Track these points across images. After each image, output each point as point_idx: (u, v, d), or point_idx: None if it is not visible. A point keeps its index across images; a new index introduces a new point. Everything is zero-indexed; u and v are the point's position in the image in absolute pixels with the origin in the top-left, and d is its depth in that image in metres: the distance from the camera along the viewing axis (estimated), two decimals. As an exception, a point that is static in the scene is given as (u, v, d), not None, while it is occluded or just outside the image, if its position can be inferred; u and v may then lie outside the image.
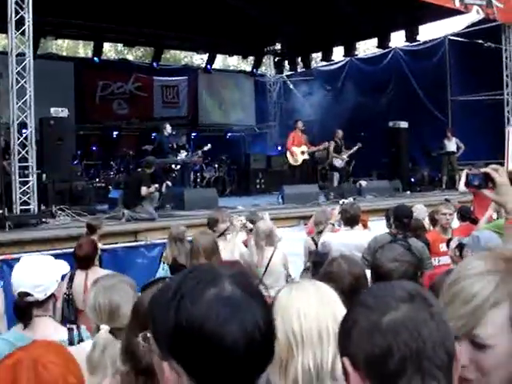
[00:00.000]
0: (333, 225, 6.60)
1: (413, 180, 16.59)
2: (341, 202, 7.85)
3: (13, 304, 3.04)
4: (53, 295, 3.09)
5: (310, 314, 1.78)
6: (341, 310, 1.78)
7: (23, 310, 2.98)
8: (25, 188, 9.10)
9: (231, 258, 5.81)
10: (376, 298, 1.13)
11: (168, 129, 13.92)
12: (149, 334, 1.18)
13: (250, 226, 5.97)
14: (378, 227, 7.25)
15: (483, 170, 2.22)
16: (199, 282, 1.12)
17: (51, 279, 3.05)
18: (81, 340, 3.04)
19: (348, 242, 5.75)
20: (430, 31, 18.83)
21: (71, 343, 2.96)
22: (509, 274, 1.27)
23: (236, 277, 1.15)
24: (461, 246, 4.32)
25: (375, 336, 1.07)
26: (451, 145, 15.73)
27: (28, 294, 2.97)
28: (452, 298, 1.29)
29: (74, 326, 3.19)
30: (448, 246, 5.35)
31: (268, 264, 6.04)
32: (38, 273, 3.02)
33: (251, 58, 24.15)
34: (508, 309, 1.23)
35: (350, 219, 6.10)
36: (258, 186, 17.31)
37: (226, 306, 1.08)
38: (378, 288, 1.21)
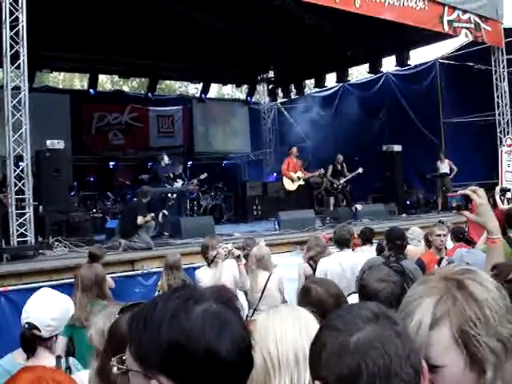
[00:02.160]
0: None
1: (408, 203, 16.66)
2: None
3: (20, 333, 3.08)
4: (56, 335, 3.15)
5: (286, 337, 1.80)
6: (315, 326, 1.83)
7: (28, 341, 3.04)
8: (22, 220, 9.14)
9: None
10: (343, 320, 1.16)
11: (165, 159, 14.05)
12: (125, 357, 1.21)
13: (237, 252, 5.98)
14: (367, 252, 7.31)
15: (462, 191, 2.28)
16: (187, 300, 1.17)
17: (61, 322, 3.12)
18: (68, 367, 3.08)
19: (344, 263, 5.80)
20: (420, 55, 19.06)
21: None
22: (447, 292, 1.29)
23: (217, 294, 1.23)
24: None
25: (344, 357, 1.10)
26: (444, 167, 15.86)
27: (36, 328, 3.03)
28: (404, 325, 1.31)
29: (63, 355, 3.24)
30: (439, 265, 5.41)
31: (264, 289, 6.09)
32: (53, 313, 3.08)
33: (245, 87, 24.40)
34: (448, 327, 1.25)
35: (340, 241, 6.18)
36: (254, 213, 17.36)
37: (216, 321, 1.15)
38: (345, 310, 1.23)
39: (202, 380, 1.12)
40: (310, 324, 1.86)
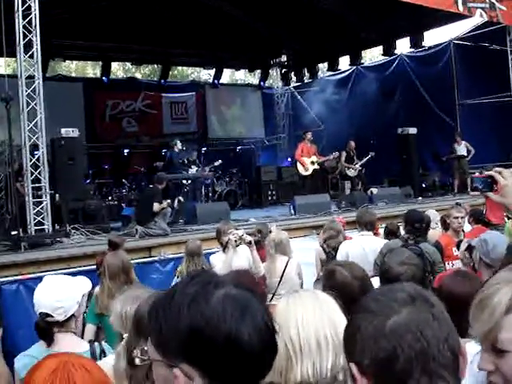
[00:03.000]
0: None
1: (424, 185, 16.53)
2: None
3: (34, 323, 3.10)
4: (73, 315, 3.15)
5: (308, 322, 1.78)
6: (340, 318, 1.80)
7: (44, 329, 3.05)
8: (38, 208, 9.19)
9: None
10: (378, 303, 1.15)
11: (179, 145, 14.08)
12: (146, 347, 1.20)
13: (248, 238, 5.96)
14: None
15: (487, 172, 2.25)
16: (206, 285, 1.16)
17: (71, 301, 3.11)
18: (102, 351, 3.10)
19: (366, 246, 5.76)
20: (434, 36, 18.86)
21: (93, 354, 3.02)
22: None
23: (237, 278, 1.21)
24: (470, 248, 4.33)
25: (379, 340, 1.09)
26: (461, 149, 15.69)
27: (48, 315, 3.04)
28: (479, 306, 1.30)
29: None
30: (458, 248, 5.37)
31: (282, 274, 6.08)
32: (58, 295, 3.08)
33: (258, 71, 24.29)
34: None
35: (366, 223, 6.11)
36: (269, 198, 17.33)
37: (237, 305, 1.13)
38: (380, 292, 1.23)
39: (224, 366, 1.10)
40: (330, 308, 1.85)
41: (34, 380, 1.56)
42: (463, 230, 7.00)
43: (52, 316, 3.02)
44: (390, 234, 6.92)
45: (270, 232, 7.14)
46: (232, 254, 5.95)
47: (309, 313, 1.81)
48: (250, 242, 5.99)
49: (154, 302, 1.21)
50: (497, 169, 2.23)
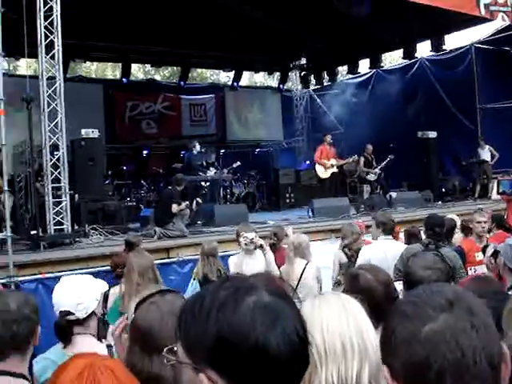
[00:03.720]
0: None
1: (444, 190, 16.41)
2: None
3: (54, 323, 3.09)
4: (93, 313, 3.13)
5: (333, 326, 1.74)
6: (366, 323, 1.77)
7: (64, 328, 3.03)
8: (58, 208, 9.23)
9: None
10: (415, 307, 1.11)
11: (197, 147, 14.09)
12: (175, 348, 1.17)
13: (259, 242, 5.93)
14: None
15: None
16: (236, 291, 1.12)
17: (91, 297, 3.10)
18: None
19: (387, 251, 5.68)
20: (455, 40, 18.71)
21: None
22: None
23: (269, 285, 1.16)
24: (496, 254, 4.26)
25: (413, 346, 1.06)
26: (484, 153, 15.50)
27: (69, 313, 3.02)
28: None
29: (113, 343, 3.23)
30: (484, 253, 5.29)
31: (300, 277, 6.04)
32: (79, 291, 3.06)
33: (277, 74, 24.27)
34: None
35: (387, 227, 6.03)
36: (287, 201, 17.31)
37: (267, 313, 1.09)
38: (417, 295, 1.17)
39: (251, 375, 1.06)
40: (357, 312, 1.81)
41: (61, 382, 1.54)
42: (486, 235, 6.91)
43: (73, 313, 3.01)
44: (412, 237, 6.85)
45: (286, 235, 7.10)
46: (243, 257, 5.92)
47: (334, 317, 1.77)
48: (261, 246, 5.95)
49: (185, 305, 1.18)
50: None
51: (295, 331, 1.10)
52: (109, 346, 3.14)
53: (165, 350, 1.24)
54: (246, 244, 5.90)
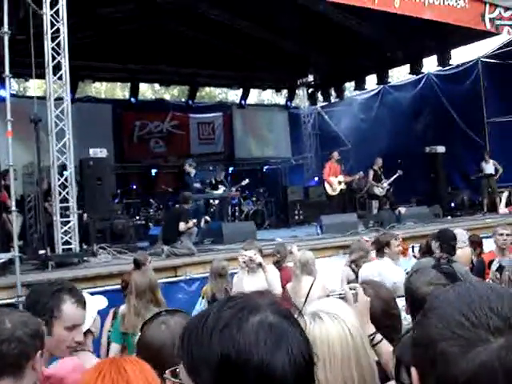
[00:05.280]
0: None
1: (453, 205, 16.37)
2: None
3: None
4: (89, 331, 3.13)
5: (335, 363, 1.73)
6: (366, 351, 1.78)
7: None
8: (66, 228, 9.26)
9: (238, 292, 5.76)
10: (460, 327, 0.95)
11: (190, 168, 13.83)
12: (178, 369, 1.14)
13: (258, 260, 5.91)
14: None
15: None
16: (240, 310, 1.09)
17: (87, 315, 3.09)
18: None
19: (383, 271, 5.66)
20: (462, 54, 18.73)
21: None
22: None
23: (274, 304, 1.13)
24: (501, 269, 4.24)
25: (458, 368, 0.93)
26: (489, 167, 15.46)
27: None
28: None
29: None
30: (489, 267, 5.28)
31: (307, 294, 6.00)
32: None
33: (285, 92, 24.36)
34: None
35: (379, 248, 6.05)
36: (296, 218, 17.29)
37: (272, 333, 1.06)
38: (467, 302, 0.99)
39: None
40: (357, 337, 1.81)
41: (85, 378, 1.60)
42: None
43: None
44: (426, 252, 6.84)
45: (291, 253, 7.09)
46: (244, 276, 5.91)
47: (336, 353, 1.75)
48: (259, 264, 5.93)
49: (187, 324, 1.15)
50: None
51: (300, 351, 1.08)
52: None
53: (166, 372, 1.23)
54: (244, 262, 5.89)
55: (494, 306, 0.94)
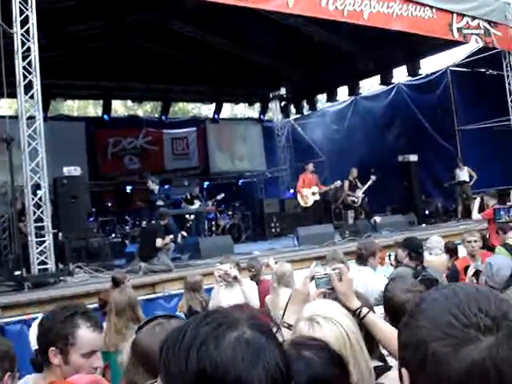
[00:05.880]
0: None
1: (427, 212, 16.53)
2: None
3: (30, 360, 3.06)
4: None
5: None
6: (361, 353, 1.84)
7: (40, 365, 3.00)
8: (41, 248, 9.15)
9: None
10: (449, 326, 0.97)
11: (153, 185, 13.32)
12: (157, 382, 1.15)
13: (233, 273, 5.91)
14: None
15: (509, 203, 2.28)
16: (218, 326, 1.09)
17: None
18: None
19: (363, 281, 5.70)
20: (431, 64, 19.03)
21: None
22: None
23: (252, 319, 1.13)
24: (477, 274, 4.31)
25: (450, 369, 0.95)
26: (463, 174, 15.64)
27: None
28: None
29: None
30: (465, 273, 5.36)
31: (286, 307, 6.00)
32: None
33: (257, 105, 24.46)
34: None
35: (363, 257, 6.07)
36: (273, 230, 17.32)
37: (249, 349, 1.06)
38: (455, 304, 1.00)
39: None
40: (355, 342, 1.87)
41: None
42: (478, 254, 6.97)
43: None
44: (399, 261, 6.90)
45: (268, 266, 7.11)
46: (219, 289, 5.90)
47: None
48: (235, 278, 5.93)
49: (165, 341, 1.15)
50: None
51: (277, 366, 1.08)
52: None
53: None
54: (219, 276, 5.89)
55: (483, 306, 0.96)
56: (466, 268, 5.85)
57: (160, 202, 13.02)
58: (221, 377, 1.02)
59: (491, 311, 0.95)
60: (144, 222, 14.36)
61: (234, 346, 1.05)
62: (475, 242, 6.87)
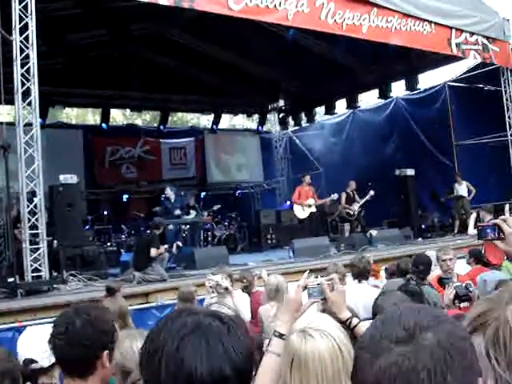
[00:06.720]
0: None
1: (423, 227, 16.54)
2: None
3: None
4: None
5: (326, 378, 1.82)
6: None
7: (29, 378, 2.97)
8: (36, 255, 9.12)
9: None
10: (370, 339, 1.06)
11: (171, 193, 13.97)
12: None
13: (224, 284, 5.91)
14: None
15: (493, 221, 2.28)
16: (181, 328, 1.18)
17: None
18: None
19: (358, 297, 5.70)
20: (429, 79, 19.11)
21: None
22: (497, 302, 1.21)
23: (214, 314, 1.23)
24: (458, 297, 4.30)
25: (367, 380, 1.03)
26: (461, 189, 15.64)
27: (32, 361, 2.97)
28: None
29: None
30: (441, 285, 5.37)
31: (276, 317, 6.00)
32: (43, 340, 3.02)
33: (256, 116, 24.52)
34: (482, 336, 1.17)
35: (359, 273, 6.08)
36: (269, 242, 17.31)
37: (201, 343, 1.15)
38: (377, 323, 1.09)
39: None
40: (344, 349, 1.89)
41: None
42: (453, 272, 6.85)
43: (36, 362, 2.96)
44: (393, 274, 6.90)
45: (260, 277, 7.11)
46: (210, 300, 5.89)
47: (327, 364, 1.84)
48: (226, 288, 5.92)
49: (144, 343, 1.24)
50: (502, 217, 2.25)
51: (226, 362, 1.15)
52: None
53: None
54: (211, 286, 5.88)
55: (402, 320, 1.04)
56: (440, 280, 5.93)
57: (178, 212, 13.35)
58: (179, 373, 1.12)
59: (408, 324, 1.03)
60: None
61: (194, 344, 1.15)
62: (450, 260, 6.50)
